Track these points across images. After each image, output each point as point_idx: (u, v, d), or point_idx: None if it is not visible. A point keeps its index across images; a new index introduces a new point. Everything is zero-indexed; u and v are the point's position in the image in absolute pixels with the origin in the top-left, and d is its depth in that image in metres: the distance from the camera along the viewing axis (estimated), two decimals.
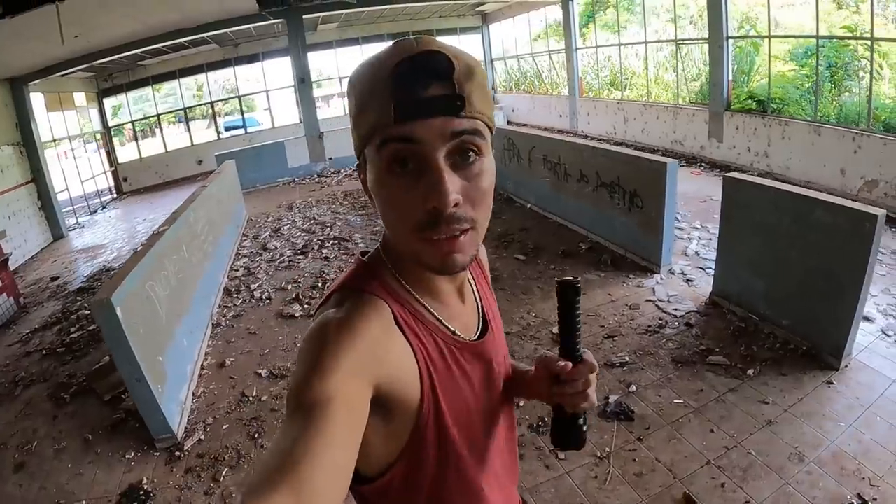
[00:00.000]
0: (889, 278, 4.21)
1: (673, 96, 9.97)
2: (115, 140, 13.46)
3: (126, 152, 13.79)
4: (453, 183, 0.59)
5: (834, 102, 8.27)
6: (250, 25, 10.42)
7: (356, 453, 0.56)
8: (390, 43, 0.61)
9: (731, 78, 8.10)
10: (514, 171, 6.82)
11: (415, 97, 0.58)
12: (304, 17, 10.33)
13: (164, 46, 10.52)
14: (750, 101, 7.97)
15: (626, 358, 3.37)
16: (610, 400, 2.98)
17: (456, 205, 0.59)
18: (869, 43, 7.25)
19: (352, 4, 9.38)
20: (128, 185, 13.08)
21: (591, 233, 5.38)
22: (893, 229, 5.21)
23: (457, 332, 0.74)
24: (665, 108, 9.44)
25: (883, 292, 3.96)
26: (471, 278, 0.84)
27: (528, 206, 6.67)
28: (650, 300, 4.09)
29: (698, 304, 3.96)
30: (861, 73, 7.98)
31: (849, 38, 7.89)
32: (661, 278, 4.42)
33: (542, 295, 4.37)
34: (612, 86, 11.71)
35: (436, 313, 0.72)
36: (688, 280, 4.36)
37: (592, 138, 10.35)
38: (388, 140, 0.59)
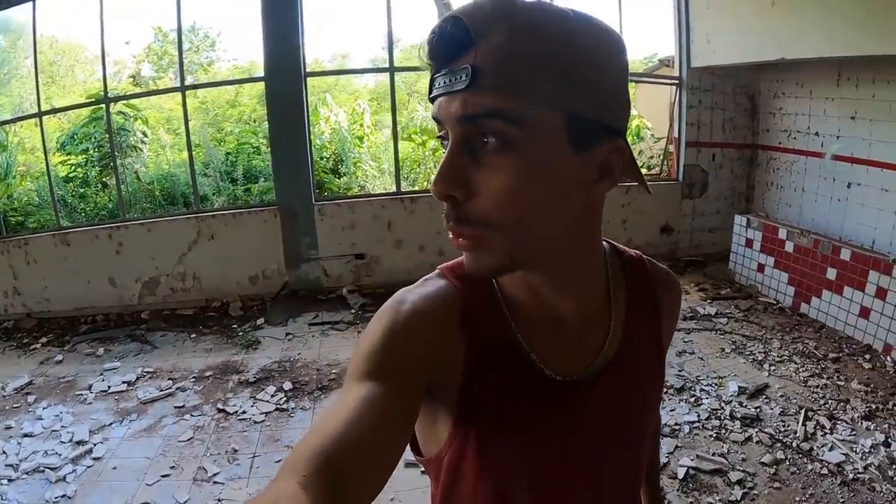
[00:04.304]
0: None
1: None
2: None
3: None
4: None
5: (108, 189, 6.40)
6: None
7: (406, 435, 0.53)
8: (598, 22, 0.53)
9: None
10: None
11: None
12: None
13: None
14: None
15: None
16: None
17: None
18: (138, 114, 6.23)
19: None
20: None
21: None
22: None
23: (541, 363, 0.60)
24: None
25: None
26: (624, 310, 0.66)
27: None
28: None
29: None
30: (139, 147, 6.40)
31: (23, 118, 6.20)
32: None
33: None
34: None
35: (521, 335, 0.60)
36: None
37: None
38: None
